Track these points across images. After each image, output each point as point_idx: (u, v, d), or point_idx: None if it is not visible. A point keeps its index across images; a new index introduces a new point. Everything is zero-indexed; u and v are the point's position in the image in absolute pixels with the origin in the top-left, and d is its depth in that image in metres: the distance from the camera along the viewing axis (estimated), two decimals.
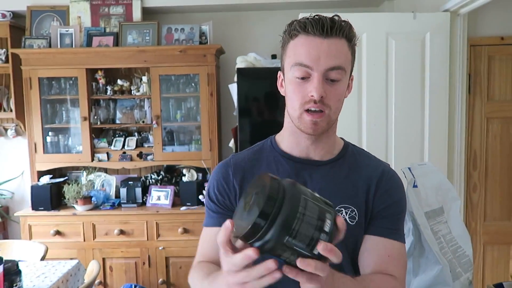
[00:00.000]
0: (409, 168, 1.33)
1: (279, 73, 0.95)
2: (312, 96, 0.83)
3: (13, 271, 1.81)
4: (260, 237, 0.56)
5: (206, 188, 1.01)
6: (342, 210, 0.90)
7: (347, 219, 0.90)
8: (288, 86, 0.88)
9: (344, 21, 0.86)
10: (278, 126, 1.02)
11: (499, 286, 1.27)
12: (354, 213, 0.90)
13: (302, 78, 0.84)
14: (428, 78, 2.27)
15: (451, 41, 2.28)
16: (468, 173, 2.48)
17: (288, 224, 0.56)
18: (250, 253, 0.57)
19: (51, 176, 3.06)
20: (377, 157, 1.01)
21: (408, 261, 1.24)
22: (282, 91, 0.94)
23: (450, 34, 2.27)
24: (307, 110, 0.85)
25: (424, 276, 1.21)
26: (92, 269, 2.03)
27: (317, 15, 0.85)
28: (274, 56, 2.99)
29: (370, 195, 0.92)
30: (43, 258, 2.30)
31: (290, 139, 0.95)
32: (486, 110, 2.47)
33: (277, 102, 2.61)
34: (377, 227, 0.91)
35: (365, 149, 1.04)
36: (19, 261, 1.88)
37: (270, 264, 0.58)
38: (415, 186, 1.27)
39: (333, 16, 0.86)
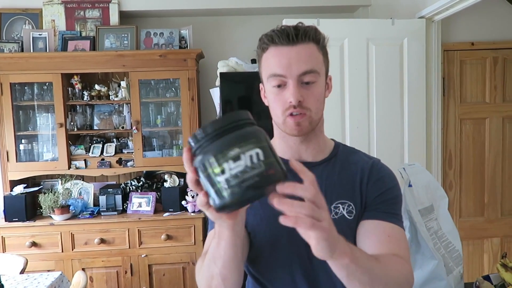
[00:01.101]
0: (403, 168, 1.39)
1: (260, 85, 1.00)
2: (290, 102, 0.88)
3: None
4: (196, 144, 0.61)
5: None
6: (339, 206, 0.92)
7: (345, 214, 0.92)
8: (269, 96, 0.93)
9: (308, 26, 0.90)
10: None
11: (486, 278, 1.34)
12: (351, 207, 0.93)
13: (279, 86, 0.89)
14: (406, 81, 2.37)
15: (426, 46, 2.39)
16: (444, 171, 2.59)
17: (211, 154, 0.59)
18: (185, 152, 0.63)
19: (25, 185, 2.94)
20: (368, 154, 1.05)
21: None
22: (265, 101, 0.98)
23: (425, 39, 2.38)
24: (290, 114, 0.89)
25: (421, 272, 1.27)
26: (78, 281, 1.97)
27: (283, 26, 0.90)
28: (254, 61, 3.01)
29: (363, 186, 0.95)
30: (22, 271, 2.21)
31: (281, 144, 0.99)
32: (459, 111, 2.61)
33: (260, 106, 2.63)
34: (373, 211, 0.92)
35: (363, 153, 1.06)
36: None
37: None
38: (410, 185, 1.33)
39: (297, 24, 0.91)
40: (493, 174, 2.67)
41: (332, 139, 1.05)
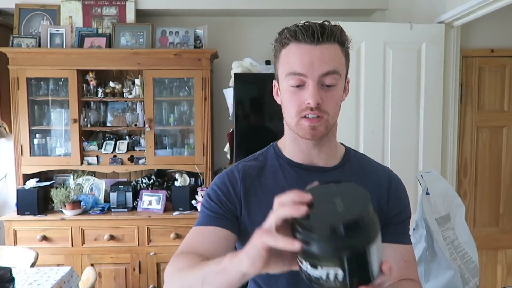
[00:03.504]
0: (421, 176, 1.36)
1: (274, 82, 0.95)
2: (308, 103, 0.83)
3: (6, 279, 1.74)
4: (314, 240, 0.54)
5: (207, 190, 0.98)
6: None
7: None
8: (284, 94, 0.88)
9: (334, 25, 0.86)
10: (274, 131, 1.02)
11: None
12: None
13: (297, 86, 0.84)
14: (423, 87, 2.33)
15: (445, 52, 2.34)
16: (459, 180, 2.55)
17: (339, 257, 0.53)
18: (296, 244, 0.54)
19: (37, 179, 2.96)
20: (376, 161, 1.02)
21: (419, 267, 1.28)
22: (278, 99, 0.94)
23: (444, 45, 2.34)
24: (305, 116, 0.85)
25: (436, 282, 1.24)
26: (88, 277, 1.97)
27: (307, 22, 0.84)
28: (268, 62, 3.00)
29: (382, 202, 0.93)
30: (33, 265, 2.22)
31: (292, 145, 0.94)
32: (476, 119, 2.56)
33: (274, 108, 2.62)
34: (392, 234, 0.92)
35: (372, 159, 1.04)
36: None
37: (295, 242, 0.55)
38: (427, 193, 1.30)
39: (323, 22, 0.86)
40: (509, 183, 2.61)
41: (341, 143, 1.02)
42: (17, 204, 2.85)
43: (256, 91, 2.72)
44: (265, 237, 0.56)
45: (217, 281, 0.66)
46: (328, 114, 0.85)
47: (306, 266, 0.56)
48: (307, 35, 0.82)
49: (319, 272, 0.56)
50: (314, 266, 0.55)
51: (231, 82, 2.80)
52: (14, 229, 2.80)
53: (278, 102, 0.94)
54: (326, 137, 0.91)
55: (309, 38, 0.82)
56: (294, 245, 0.54)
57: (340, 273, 0.55)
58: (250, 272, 0.60)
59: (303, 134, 0.87)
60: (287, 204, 0.57)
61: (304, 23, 0.85)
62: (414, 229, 1.40)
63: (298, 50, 0.83)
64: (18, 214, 2.83)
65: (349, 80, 0.94)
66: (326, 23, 0.86)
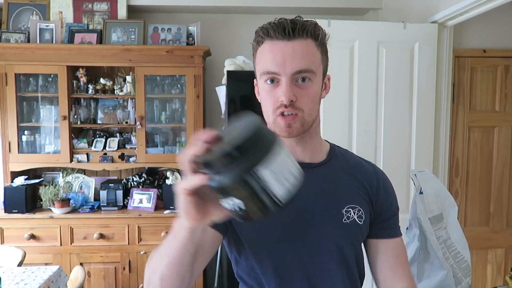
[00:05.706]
0: (415, 175, 1.36)
1: (255, 80, 0.95)
2: (282, 101, 0.82)
3: None
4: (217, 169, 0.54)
5: None
6: (350, 211, 0.90)
7: (356, 219, 0.90)
8: (261, 93, 0.88)
9: (307, 20, 0.85)
10: None
11: None
12: (361, 212, 0.91)
13: (272, 81, 0.84)
14: (416, 86, 2.33)
15: (437, 51, 2.35)
16: (451, 179, 2.56)
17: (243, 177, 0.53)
18: (201, 177, 0.56)
19: (26, 177, 2.91)
20: (361, 157, 1.03)
21: (412, 267, 1.27)
22: (259, 98, 0.94)
23: (437, 45, 2.34)
24: (282, 114, 0.84)
25: (429, 281, 1.23)
26: (76, 276, 1.94)
27: (280, 19, 0.84)
28: None
29: (372, 196, 0.94)
30: (20, 264, 2.18)
31: None
32: (468, 119, 2.57)
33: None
34: (384, 230, 0.95)
35: (355, 154, 1.04)
36: None
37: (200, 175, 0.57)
38: (421, 192, 1.30)
39: (295, 17, 0.85)
40: (500, 183, 2.63)
41: (326, 140, 1.01)
42: (4, 202, 2.80)
43: (249, 89, 2.67)
44: (180, 184, 0.59)
45: (171, 249, 0.72)
46: (303, 111, 0.84)
47: (227, 203, 0.57)
48: (278, 31, 0.82)
49: (229, 205, 0.57)
50: (227, 199, 0.56)
51: (224, 80, 2.77)
52: (1, 228, 2.75)
53: (259, 100, 0.93)
54: (307, 134, 0.90)
55: (280, 34, 0.82)
56: (200, 178, 0.56)
57: (237, 202, 0.56)
58: (191, 223, 0.61)
59: (279, 132, 0.86)
60: (192, 146, 0.59)
61: (278, 20, 0.85)
62: (407, 228, 1.40)
63: (271, 47, 0.83)
64: (5, 212, 2.78)
65: (329, 77, 0.93)
66: (298, 18, 0.85)
